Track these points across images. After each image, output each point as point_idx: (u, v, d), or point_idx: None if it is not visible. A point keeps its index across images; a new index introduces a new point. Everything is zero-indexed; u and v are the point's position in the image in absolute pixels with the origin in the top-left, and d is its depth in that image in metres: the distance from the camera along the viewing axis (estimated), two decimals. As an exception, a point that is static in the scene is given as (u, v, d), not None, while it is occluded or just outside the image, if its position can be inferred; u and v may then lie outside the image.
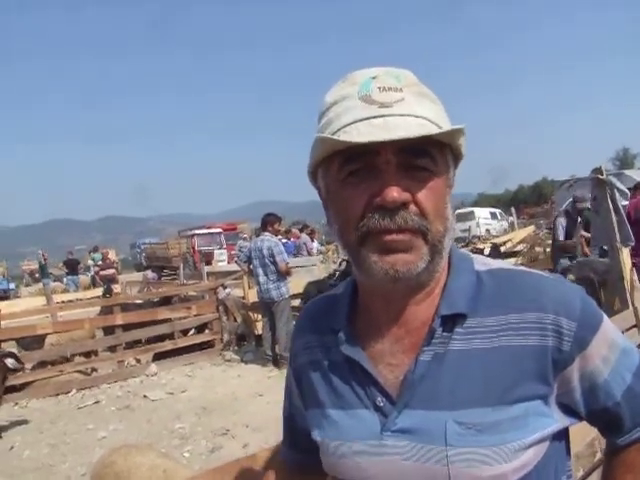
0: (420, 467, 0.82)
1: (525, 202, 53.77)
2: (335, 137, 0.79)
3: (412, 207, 0.80)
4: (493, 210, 32.52)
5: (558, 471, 0.88)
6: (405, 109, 0.80)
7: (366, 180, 0.81)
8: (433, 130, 0.79)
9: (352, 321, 0.94)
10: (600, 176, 4.60)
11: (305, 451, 1.06)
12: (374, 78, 0.83)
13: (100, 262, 21.66)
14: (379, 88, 0.82)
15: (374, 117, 0.79)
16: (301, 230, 18.11)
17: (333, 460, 0.92)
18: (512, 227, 23.06)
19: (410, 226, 0.80)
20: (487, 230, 26.44)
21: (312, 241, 14.40)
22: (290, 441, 1.13)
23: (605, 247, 5.12)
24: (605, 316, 0.89)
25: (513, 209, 26.60)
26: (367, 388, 0.88)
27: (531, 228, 19.63)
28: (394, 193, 0.78)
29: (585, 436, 2.59)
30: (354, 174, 0.82)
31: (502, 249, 14.17)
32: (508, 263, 0.96)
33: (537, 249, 14.16)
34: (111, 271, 20.94)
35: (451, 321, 0.85)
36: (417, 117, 0.80)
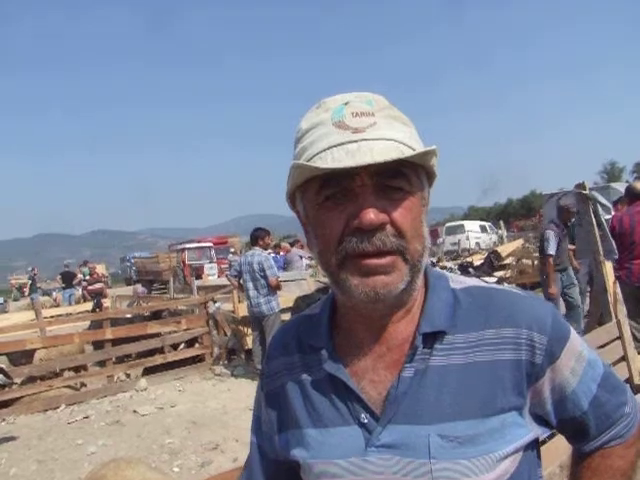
0: None
1: (514, 215, 54.08)
2: (311, 164, 0.81)
3: (389, 228, 0.82)
4: (483, 223, 32.69)
5: (531, 479, 0.92)
6: (378, 133, 0.82)
7: (343, 204, 0.83)
8: (406, 152, 0.80)
9: (333, 339, 0.95)
10: (583, 191, 4.69)
11: None
12: (346, 104, 0.85)
13: (88, 277, 21.66)
14: (352, 113, 0.84)
15: (349, 142, 0.81)
16: (292, 244, 18.10)
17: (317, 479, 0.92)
18: (501, 240, 23.19)
19: (389, 248, 0.81)
20: (477, 243, 26.57)
21: (302, 256, 14.41)
22: (255, 475, 1.07)
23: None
24: (572, 330, 0.94)
25: (502, 222, 26.77)
26: (350, 405, 0.90)
27: (520, 241, 19.75)
28: (371, 215, 0.80)
29: (557, 457, 2.64)
30: (331, 198, 0.84)
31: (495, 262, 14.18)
32: (481, 281, 0.99)
33: (525, 261, 14.26)
34: (99, 285, 21.06)
35: (431, 338, 0.88)
36: (390, 140, 0.82)
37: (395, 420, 0.86)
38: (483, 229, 30.67)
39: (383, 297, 0.83)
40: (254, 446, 1.08)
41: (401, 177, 0.83)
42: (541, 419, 0.92)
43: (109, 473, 2.71)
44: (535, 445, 0.94)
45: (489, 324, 0.89)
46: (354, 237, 0.82)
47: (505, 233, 26.14)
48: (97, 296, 17.75)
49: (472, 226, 30.34)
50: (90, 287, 20.82)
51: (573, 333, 0.93)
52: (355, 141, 0.81)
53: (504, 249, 16.05)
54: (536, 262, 13.59)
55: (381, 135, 0.82)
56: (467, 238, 26.91)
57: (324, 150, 0.83)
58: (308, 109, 0.91)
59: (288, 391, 0.99)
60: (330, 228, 0.84)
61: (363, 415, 0.88)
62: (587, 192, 4.69)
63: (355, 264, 0.83)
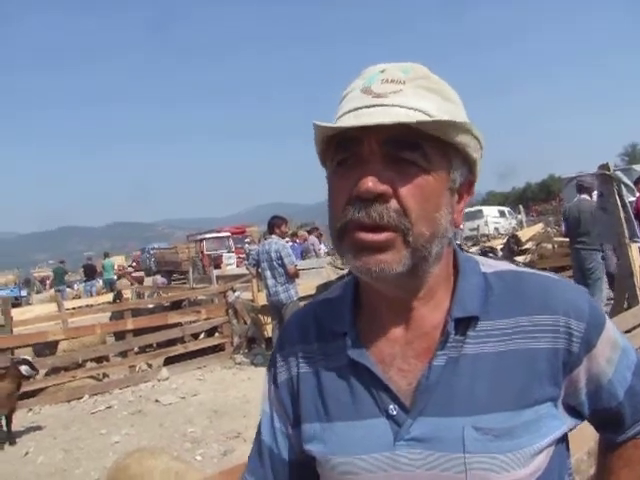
0: (436, 476, 0.79)
1: (533, 200, 53.54)
2: (318, 123, 0.78)
3: (392, 202, 0.76)
4: (501, 208, 32.38)
5: (562, 472, 0.88)
6: (399, 100, 0.77)
7: (352, 170, 0.78)
8: (420, 119, 0.75)
9: (356, 324, 0.89)
10: (607, 172, 4.59)
11: None
12: (382, 71, 0.82)
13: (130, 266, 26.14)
14: (382, 80, 0.80)
15: (366, 106, 0.77)
16: (310, 232, 18.10)
17: (341, 478, 0.85)
18: (520, 225, 22.95)
19: (386, 222, 0.75)
20: (496, 228, 26.32)
21: (319, 243, 14.41)
22: (265, 477, 0.98)
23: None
24: (607, 316, 0.89)
25: (521, 207, 26.49)
26: (377, 396, 0.84)
27: (539, 226, 19.53)
28: (369, 183, 0.75)
29: (584, 444, 2.59)
30: (342, 164, 0.80)
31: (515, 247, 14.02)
32: (512, 264, 0.94)
33: (545, 246, 14.09)
34: (141, 273, 25.36)
35: (464, 324, 0.83)
36: (410, 109, 0.76)
37: (426, 412, 0.81)
38: (502, 214, 30.39)
39: (377, 275, 0.77)
40: (265, 446, 0.98)
41: (417, 150, 0.76)
42: (573, 410, 0.87)
43: (133, 463, 2.76)
44: (566, 437, 0.89)
45: (524, 310, 0.83)
46: (353, 206, 0.77)
47: (524, 218, 25.86)
48: (138, 283, 21.06)
49: (491, 211, 30.07)
50: (134, 274, 25.19)
51: (608, 320, 0.88)
52: (373, 105, 0.77)
53: (524, 234, 15.88)
54: (556, 246, 13.45)
55: (403, 102, 0.77)
56: (486, 223, 26.67)
57: (345, 114, 0.80)
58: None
59: (306, 381, 0.92)
60: (337, 195, 0.80)
61: (392, 406, 0.82)
62: (611, 173, 4.58)
63: (351, 237, 0.78)
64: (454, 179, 0.82)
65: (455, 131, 0.78)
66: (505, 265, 0.93)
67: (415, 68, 0.82)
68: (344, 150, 0.80)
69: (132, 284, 21.62)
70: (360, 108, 0.78)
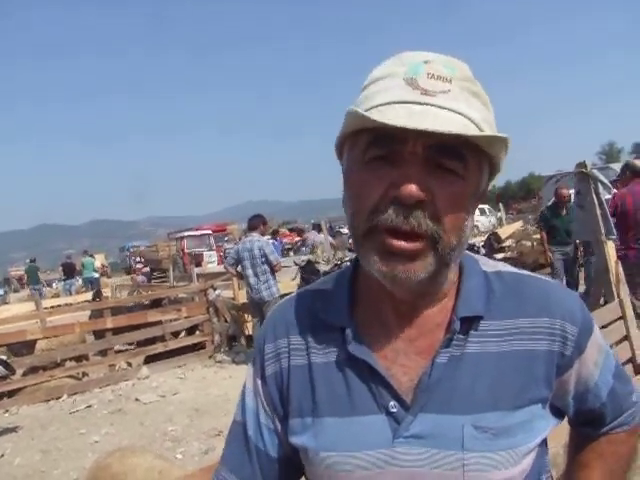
0: (434, 474, 0.79)
1: (513, 198, 54.04)
2: (367, 114, 0.72)
3: (430, 209, 0.74)
4: (481, 206, 32.62)
5: (540, 470, 0.89)
6: (449, 103, 0.73)
7: (387, 167, 0.75)
8: (472, 132, 0.72)
9: (354, 318, 0.87)
10: (584, 170, 4.65)
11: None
12: (426, 62, 0.76)
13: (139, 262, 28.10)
14: (428, 74, 0.75)
15: (414, 103, 0.73)
16: (291, 231, 18.09)
17: (336, 475, 0.83)
18: (500, 223, 23.15)
19: (423, 231, 0.73)
20: (476, 226, 26.55)
21: (318, 233, 14.30)
22: (239, 466, 0.95)
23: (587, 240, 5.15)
24: (595, 321, 0.90)
25: (501, 205, 26.72)
26: (377, 392, 0.82)
27: (519, 223, 19.72)
28: (413, 188, 0.72)
29: (561, 438, 2.62)
30: (377, 159, 0.76)
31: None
32: (508, 265, 0.94)
33: (525, 243, 14.24)
34: (147, 269, 25.99)
35: (467, 323, 0.82)
36: (460, 114, 0.73)
37: (427, 409, 0.80)
38: (482, 212, 30.63)
39: (400, 281, 0.76)
40: (250, 442, 0.94)
41: (458, 159, 0.74)
42: (558, 411, 0.89)
43: (115, 462, 2.71)
44: (546, 437, 0.90)
45: (524, 312, 0.84)
46: (390, 208, 0.74)
47: (504, 216, 26.08)
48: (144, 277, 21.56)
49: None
50: (144, 269, 26.27)
51: (596, 325, 0.90)
52: (421, 103, 0.72)
53: (503, 231, 16.03)
54: (535, 244, 13.60)
55: (452, 106, 0.73)
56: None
57: (385, 104, 0.74)
58: (385, 59, 0.82)
59: (296, 373, 0.89)
60: (369, 191, 0.76)
61: (392, 403, 0.81)
62: (588, 171, 4.65)
63: (380, 240, 0.75)
64: (481, 188, 0.81)
65: (499, 145, 0.76)
66: (503, 266, 0.93)
67: (459, 67, 0.78)
68: (382, 146, 0.75)
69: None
70: (408, 102, 0.73)
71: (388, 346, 0.84)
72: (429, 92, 0.73)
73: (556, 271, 8.00)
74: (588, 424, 0.96)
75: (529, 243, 13.99)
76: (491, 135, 0.74)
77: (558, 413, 0.89)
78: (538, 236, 14.00)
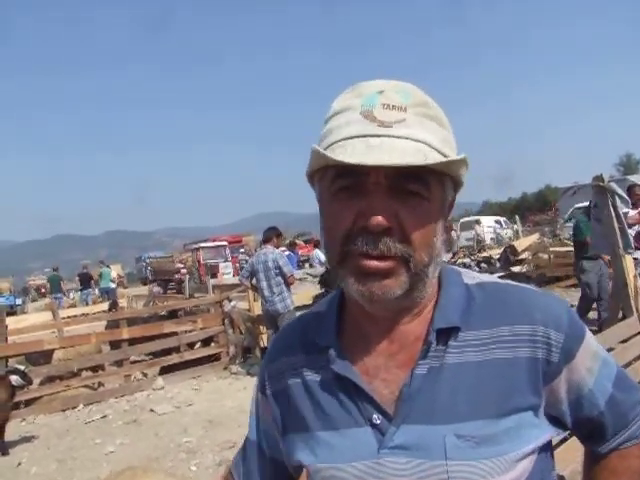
0: None
1: (529, 210, 53.67)
2: (327, 153, 0.77)
3: (397, 233, 0.78)
4: (498, 218, 32.47)
5: None
6: (405, 131, 0.77)
7: (355, 198, 0.79)
8: (430, 158, 0.76)
9: (340, 338, 0.91)
10: (601, 183, 4.61)
11: None
12: (380, 93, 0.80)
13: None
14: (383, 105, 0.79)
15: (372, 135, 0.77)
16: (306, 242, 18.12)
17: None
18: (517, 235, 23.00)
19: (393, 254, 0.78)
20: (492, 238, 26.39)
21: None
22: (251, 473, 1.05)
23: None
24: (587, 328, 0.91)
25: (517, 217, 26.57)
26: (361, 406, 0.86)
27: (535, 236, 19.59)
28: (379, 218, 0.77)
29: (580, 455, 2.58)
30: (344, 190, 0.80)
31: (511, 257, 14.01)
32: (495, 277, 0.97)
33: (542, 256, 14.14)
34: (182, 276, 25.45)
35: (445, 334, 0.84)
36: (416, 141, 0.77)
37: (409, 420, 0.83)
38: (498, 224, 30.49)
39: (377, 299, 0.80)
40: (252, 444, 1.05)
41: (420, 182, 0.78)
42: (556, 420, 0.89)
43: None
44: (549, 447, 0.91)
45: (504, 321, 0.85)
46: (359, 237, 0.78)
47: (520, 228, 25.92)
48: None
49: (487, 221, 30.16)
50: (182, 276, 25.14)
51: (588, 332, 0.91)
52: (379, 135, 0.77)
53: (520, 244, 15.92)
54: (552, 257, 13.49)
55: (408, 134, 0.77)
56: (482, 233, 26.75)
57: (345, 139, 0.79)
58: (343, 90, 0.86)
59: (293, 393, 0.95)
60: (338, 222, 0.81)
61: (375, 416, 0.85)
62: (605, 184, 4.61)
63: (355, 263, 0.80)
64: (446, 202, 0.85)
65: (457, 166, 0.80)
66: (487, 277, 0.95)
67: (413, 93, 0.82)
68: (346, 177, 0.79)
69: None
70: (366, 136, 0.77)
71: (370, 362, 0.88)
72: (385, 123, 0.78)
73: (590, 293, 7.06)
74: (592, 437, 0.94)
75: (546, 256, 13.88)
76: (446, 161, 0.77)
77: (558, 423, 0.89)
78: (556, 249, 13.92)
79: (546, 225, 28.39)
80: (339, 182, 0.81)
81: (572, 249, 13.00)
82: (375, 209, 0.77)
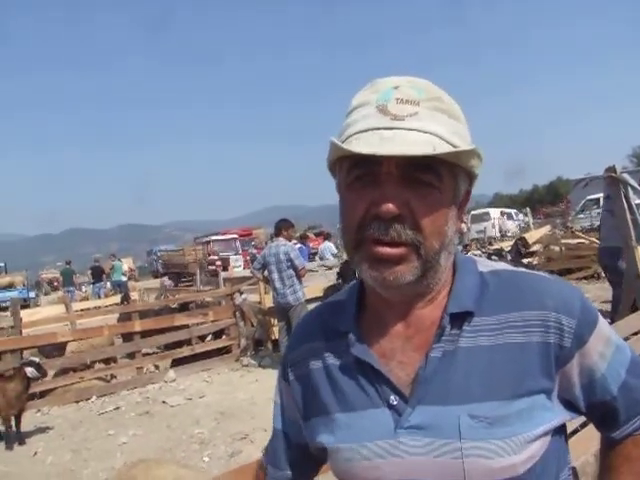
0: (435, 462, 0.84)
1: (541, 202, 53.32)
2: (340, 144, 0.83)
3: (408, 220, 0.82)
4: (508, 210, 32.30)
5: (560, 464, 0.91)
6: (417, 124, 0.81)
7: (368, 187, 0.84)
8: (439, 149, 0.80)
9: (360, 323, 0.96)
10: (613, 174, 4.58)
11: (291, 466, 1.08)
12: (396, 88, 0.85)
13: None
14: (397, 99, 0.84)
15: (385, 128, 0.81)
16: (317, 235, 18.13)
17: (346, 465, 0.92)
18: (528, 227, 22.88)
19: (403, 240, 0.82)
20: (502, 230, 26.27)
21: (335, 248, 14.43)
22: (279, 460, 1.10)
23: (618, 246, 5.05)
24: (600, 315, 0.93)
25: (528, 209, 26.42)
26: (379, 388, 0.90)
27: (547, 228, 19.48)
28: (389, 206, 0.81)
29: (591, 446, 2.59)
30: (359, 180, 0.85)
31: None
32: (509, 265, 0.99)
33: (553, 248, 14.07)
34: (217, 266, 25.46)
35: (459, 319, 0.88)
36: (427, 133, 0.81)
37: (424, 401, 0.86)
38: (509, 216, 30.32)
39: (389, 284, 0.85)
40: (277, 432, 1.10)
41: (431, 172, 0.82)
42: (570, 404, 0.91)
43: (139, 474, 2.67)
44: (563, 431, 0.94)
45: (516, 306, 0.88)
46: (372, 224, 0.83)
47: (532, 220, 25.78)
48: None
49: (498, 213, 30.01)
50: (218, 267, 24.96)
51: (601, 318, 0.92)
52: (391, 128, 0.81)
53: (531, 236, 15.85)
54: (564, 249, 13.42)
55: (420, 126, 0.81)
56: (493, 226, 26.63)
57: (360, 132, 0.83)
58: (362, 87, 0.91)
59: (314, 377, 0.99)
60: (353, 210, 0.86)
61: (392, 397, 0.88)
62: (617, 175, 4.58)
63: (368, 249, 0.85)
64: (459, 192, 0.89)
65: (467, 157, 0.84)
66: (502, 265, 0.98)
67: (427, 88, 0.86)
68: (361, 167, 0.84)
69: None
70: (380, 129, 0.82)
71: (387, 345, 0.92)
72: (398, 117, 0.82)
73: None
74: (606, 422, 0.96)
75: (557, 248, 13.80)
76: (455, 151, 0.81)
77: (572, 407, 0.91)
78: (568, 241, 13.84)
79: (557, 217, 28.22)
80: (354, 172, 0.85)
81: (584, 241, 12.96)
82: (386, 197, 0.82)
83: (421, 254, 0.83)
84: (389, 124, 0.82)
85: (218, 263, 24.72)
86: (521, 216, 29.02)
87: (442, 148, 0.81)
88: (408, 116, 0.82)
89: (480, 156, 0.86)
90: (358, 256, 0.87)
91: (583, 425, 2.66)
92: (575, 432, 2.60)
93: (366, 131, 0.83)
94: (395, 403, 0.88)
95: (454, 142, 0.83)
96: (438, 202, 0.84)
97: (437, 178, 0.83)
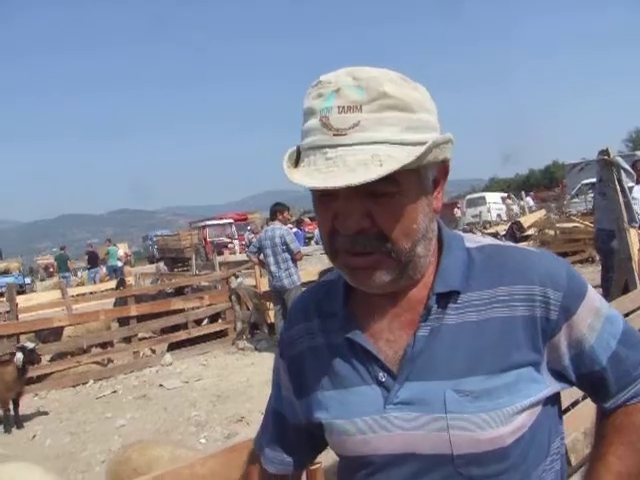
0: (423, 435, 0.87)
1: (537, 186, 53.32)
2: (289, 177, 0.83)
3: (371, 232, 0.84)
4: (504, 195, 32.33)
5: (551, 434, 0.94)
6: (359, 136, 0.80)
7: (332, 201, 0.85)
8: (385, 165, 0.78)
9: (349, 303, 0.98)
10: (606, 157, 4.60)
11: (288, 447, 1.09)
12: (337, 92, 0.82)
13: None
14: (339, 108, 0.81)
15: (329, 146, 0.81)
16: (312, 220, 18.11)
17: (340, 439, 0.95)
18: (523, 211, 22.94)
19: (369, 250, 0.85)
20: (498, 215, 26.32)
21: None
22: (273, 437, 1.11)
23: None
24: (590, 286, 0.94)
25: (524, 193, 26.45)
26: (368, 366, 0.92)
27: (542, 212, 19.54)
28: (348, 222, 0.84)
29: (580, 424, 2.64)
30: (323, 195, 0.87)
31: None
32: (497, 240, 1.00)
33: (548, 231, 14.12)
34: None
35: (446, 298, 0.90)
36: (372, 144, 0.79)
37: (412, 377, 0.89)
38: (504, 200, 30.35)
39: (370, 288, 0.89)
40: (273, 412, 1.12)
41: (386, 182, 0.80)
42: (560, 375, 0.93)
43: (135, 455, 2.66)
44: (555, 401, 0.96)
45: (502, 281, 0.90)
46: (338, 238, 0.86)
47: (530, 203, 25.81)
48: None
49: (493, 198, 30.02)
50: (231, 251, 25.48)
51: (590, 289, 0.94)
52: (335, 146, 0.80)
53: (526, 220, 15.88)
54: (559, 232, 13.46)
55: (363, 138, 0.80)
56: (488, 210, 26.66)
57: (309, 149, 0.84)
58: (310, 83, 0.89)
59: (308, 357, 1.02)
60: (322, 223, 0.89)
61: (381, 374, 0.91)
62: (610, 158, 4.60)
63: (342, 260, 0.88)
64: (426, 181, 0.88)
65: (423, 157, 0.81)
66: (489, 240, 0.99)
67: (370, 85, 0.82)
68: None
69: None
70: (324, 147, 0.81)
71: (374, 324, 0.94)
72: (340, 131, 0.81)
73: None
74: (597, 393, 0.97)
75: (552, 232, 13.86)
76: (399, 167, 0.78)
77: (562, 377, 0.93)
78: (563, 225, 13.86)
79: (553, 201, 28.26)
80: (317, 191, 0.87)
81: (579, 225, 13.00)
82: (345, 213, 0.84)
83: (393, 257, 0.85)
84: (332, 141, 0.81)
85: (230, 245, 24.84)
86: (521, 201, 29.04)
87: (390, 160, 0.78)
88: (350, 128, 0.80)
89: (448, 140, 0.85)
90: (336, 264, 0.91)
91: (574, 404, 2.71)
92: (566, 410, 2.64)
93: (313, 149, 0.83)
94: (384, 380, 0.91)
95: (407, 139, 0.81)
96: (400, 206, 0.84)
97: (394, 184, 0.82)
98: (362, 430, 0.91)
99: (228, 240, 26.19)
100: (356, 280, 0.89)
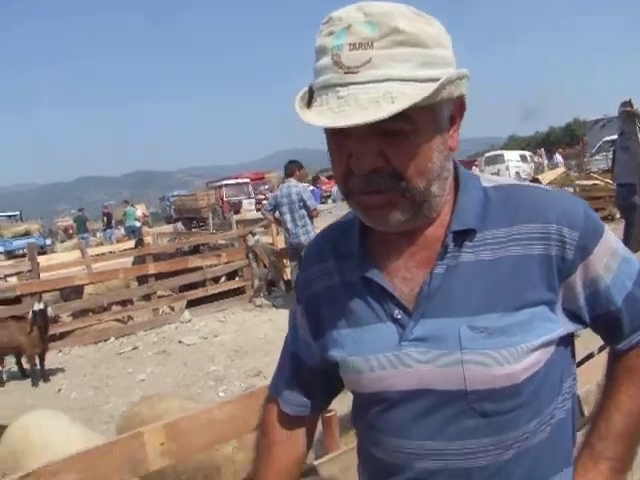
0: (437, 371, 0.87)
1: (557, 144, 52.30)
2: (301, 117, 0.82)
3: (385, 170, 0.83)
4: (523, 153, 31.78)
5: (564, 374, 0.94)
6: (371, 74, 0.78)
7: (344, 142, 0.84)
8: (397, 102, 0.76)
9: (366, 243, 0.98)
10: (629, 109, 4.48)
11: (305, 389, 1.10)
12: (348, 28, 0.80)
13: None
14: (349, 45, 0.79)
15: (341, 85, 0.79)
16: (329, 178, 18.02)
17: (355, 376, 0.96)
18: (541, 169, 22.59)
19: (384, 189, 0.84)
20: (517, 173, 25.95)
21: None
22: (290, 379, 1.11)
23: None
24: (606, 226, 0.93)
25: (543, 150, 25.97)
26: (384, 303, 0.92)
27: (561, 169, 19.23)
28: (361, 162, 0.82)
29: (593, 376, 2.63)
30: (334, 134, 0.85)
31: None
32: (513, 179, 0.99)
33: (567, 189, 13.92)
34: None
35: (461, 236, 0.89)
36: (384, 81, 0.78)
37: (427, 314, 0.89)
38: (523, 158, 29.86)
39: (386, 226, 0.88)
40: (291, 354, 1.12)
41: (399, 119, 0.78)
42: (575, 315, 0.92)
43: (144, 409, 2.67)
44: (569, 342, 0.96)
45: (518, 220, 0.89)
46: (353, 176, 0.85)
47: (546, 162, 25.40)
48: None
49: (512, 155, 29.52)
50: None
51: (607, 230, 0.92)
52: (347, 84, 0.79)
53: (545, 177, 15.66)
54: (578, 189, 13.27)
55: (375, 76, 0.78)
56: (507, 168, 26.26)
57: (321, 89, 0.82)
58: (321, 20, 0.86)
59: (325, 296, 1.02)
60: (336, 162, 0.88)
61: (396, 311, 0.91)
62: (633, 109, 4.47)
63: (357, 199, 0.88)
64: (441, 119, 0.86)
65: (436, 94, 0.79)
66: (506, 179, 0.98)
67: (382, 20, 0.79)
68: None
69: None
70: (336, 86, 0.80)
71: (390, 263, 0.94)
72: (351, 69, 0.79)
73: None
74: (611, 334, 0.97)
75: (571, 189, 13.66)
76: (412, 104, 0.76)
77: (576, 318, 0.93)
78: (582, 182, 13.66)
79: (573, 159, 27.75)
80: (328, 129, 0.85)
81: (599, 182, 12.79)
82: (358, 153, 0.83)
83: (407, 196, 0.84)
84: (344, 79, 0.79)
85: (264, 202, 24.77)
86: (537, 158, 28.54)
87: (402, 97, 0.77)
88: (362, 66, 0.78)
89: (463, 76, 0.83)
90: (351, 204, 0.90)
91: (588, 357, 2.71)
92: (580, 364, 2.65)
93: (325, 88, 0.81)
94: (399, 317, 0.91)
95: (420, 76, 0.79)
96: (414, 145, 0.83)
97: (408, 122, 0.80)
98: (377, 367, 0.92)
99: (262, 197, 25.89)
100: (371, 219, 0.89)
